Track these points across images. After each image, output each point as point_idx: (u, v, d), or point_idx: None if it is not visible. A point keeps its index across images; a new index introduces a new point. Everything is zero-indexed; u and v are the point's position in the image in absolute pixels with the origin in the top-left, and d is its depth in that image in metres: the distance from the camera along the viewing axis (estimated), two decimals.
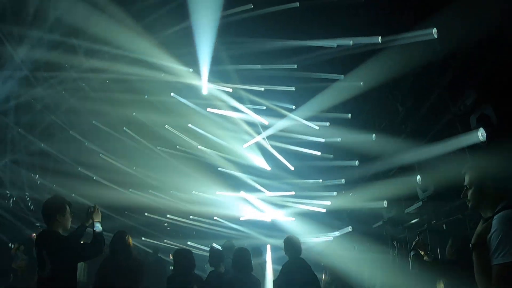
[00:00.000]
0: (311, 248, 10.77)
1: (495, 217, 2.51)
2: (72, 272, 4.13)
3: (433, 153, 6.24)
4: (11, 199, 13.83)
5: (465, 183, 2.80)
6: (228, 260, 6.21)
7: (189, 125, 11.79)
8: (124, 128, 12.09)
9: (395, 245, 9.08)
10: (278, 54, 8.98)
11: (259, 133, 11.42)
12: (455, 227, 6.79)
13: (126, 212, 14.75)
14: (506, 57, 4.83)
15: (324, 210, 11.81)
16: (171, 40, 8.90)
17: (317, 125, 10.68)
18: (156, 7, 8.51)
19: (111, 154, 12.76)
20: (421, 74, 6.86)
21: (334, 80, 9.22)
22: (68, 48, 9.43)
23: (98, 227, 4.40)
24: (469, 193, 2.76)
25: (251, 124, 11.44)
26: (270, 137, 11.42)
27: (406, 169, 7.51)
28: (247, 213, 13.55)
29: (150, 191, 13.58)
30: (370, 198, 9.24)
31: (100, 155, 12.61)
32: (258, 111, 11.02)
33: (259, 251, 8.25)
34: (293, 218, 12.92)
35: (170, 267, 11.26)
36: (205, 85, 10.17)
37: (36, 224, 13.45)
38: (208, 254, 6.53)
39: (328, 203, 11.70)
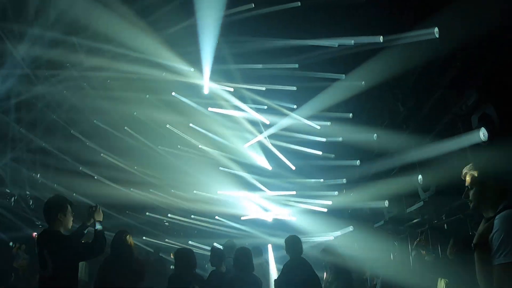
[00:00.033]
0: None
1: (497, 217, 2.51)
2: (73, 271, 4.13)
3: (435, 152, 6.24)
4: (13, 198, 13.83)
5: (466, 184, 2.80)
6: (229, 260, 6.21)
7: (190, 124, 11.78)
8: (125, 128, 12.08)
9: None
10: (279, 53, 8.99)
11: (260, 133, 11.41)
12: (457, 227, 6.80)
13: (127, 212, 14.76)
14: (507, 57, 4.83)
15: (325, 210, 11.81)
16: (173, 39, 8.89)
17: (318, 125, 10.68)
18: (158, 6, 8.50)
19: (112, 153, 12.75)
20: (422, 74, 6.86)
21: (335, 80, 9.23)
22: (70, 46, 9.43)
23: (99, 226, 4.41)
24: (471, 193, 2.76)
25: (252, 123, 11.44)
26: (271, 137, 11.42)
27: (408, 169, 7.51)
28: (248, 212, 13.55)
29: (151, 190, 13.57)
30: (372, 198, 9.24)
31: (102, 154, 12.60)
32: (259, 111, 11.01)
33: (259, 251, 8.23)
34: (295, 218, 12.92)
35: (171, 266, 11.27)
36: (206, 84, 10.16)
37: (37, 223, 13.47)
38: (209, 253, 6.52)
39: (330, 202, 11.70)
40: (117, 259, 5.27)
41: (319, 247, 8.17)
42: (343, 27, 8.06)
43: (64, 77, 10.55)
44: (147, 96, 11.00)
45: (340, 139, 10.59)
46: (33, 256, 11.44)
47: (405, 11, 7.02)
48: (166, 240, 14.46)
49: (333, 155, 11.29)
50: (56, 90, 10.82)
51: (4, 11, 8.58)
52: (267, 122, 11.08)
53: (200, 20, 8.40)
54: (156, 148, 12.80)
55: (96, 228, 4.39)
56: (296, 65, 9.30)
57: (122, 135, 12.19)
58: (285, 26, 8.43)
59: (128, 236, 5.47)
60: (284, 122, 10.85)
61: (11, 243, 13.44)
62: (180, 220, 14.60)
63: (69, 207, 4.27)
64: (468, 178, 2.79)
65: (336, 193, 11.80)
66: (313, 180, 12.34)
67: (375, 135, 9.09)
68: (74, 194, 11.20)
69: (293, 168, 12.07)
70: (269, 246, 12.11)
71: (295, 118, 10.58)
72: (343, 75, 9.11)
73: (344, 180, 11.42)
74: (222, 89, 10.54)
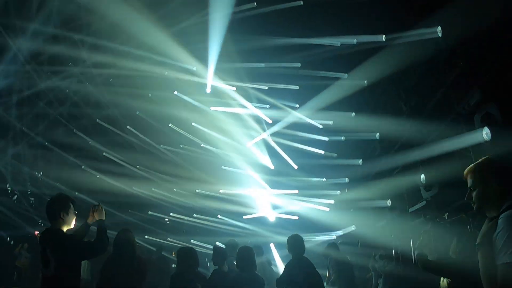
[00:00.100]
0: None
1: (500, 217, 2.50)
2: (76, 270, 4.13)
3: (437, 152, 6.23)
4: (14, 196, 13.83)
5: (468, 186, 2.78)
6: (231, 259, 6.20)
7: (193, 123, 11.77)
8: (128, 127, 12.08)
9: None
10: (281, 52, 8.97)
11: (263, 131, 11.40)
12: (460, 226, 6.77)
13: (129, 210, 14.78)
14: (510, 56, 4.82)
15: (327, 209, 11.81)
16: (179, 36, 8.86)
17: (321, 124, 10.66)
18: (162, 4, 8.47)
19: (114, 151, 12.75)
20: (424, 73, 6.85)
21: (337, 79, 9.21)
22: (73, 43, 9.43)
23: (101, 225, 4.40)
24: (473, 194, 2.75)
25: (255, 122, 11.42)
26: (273, 135, 11.41)
27: (410, 168, 7.51)
28: (251, 211, 13.55)
29: (153, 189, 13.58)
30: (374, 196, 9.24)
31: (104, 153, 12.61)
32: (261, 109, 11.00)
33: (260, 250, 8.19)
34: (297, 217, 12.92)
35: (173, 265, 11.28)
36: (209, 83, 10.15)
37: (39, 221, 13.48)
38: (211, 251, 6.52)
39: (332, 201, 11.70)
40: (120, 258, 5.27)
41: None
42: (345, 26, 8.04)
43: (68, 73, 10.54)
44: (150, 95, 10.99)
45: (343, 138, 10.58)
46: (35, 255, 11.47)
47: (407, 9, 7.00)
48: (168, 238, 14.47)
49: (335, 154, 11.27)
50: (59, 86, 10.80)
51: (7, 6, 8.54)
52: (269, 121, 11.07)
53: (211, 15, 8.36)
54: (158, 146, 12.80)
55: (98, 227, 4.39)
56: (299, 64, 9.29)
57: (124, 134, 12.20)
58: (288, 25, 8.41)
59: (130, 235, 5.47)
60: (286, 121, 10.83)
61: (12, 242, 13.49)
62: (181, 218, 14.61)
63: (71, 205, 4.26)
64: (470, 180, 2.78)
65: (338, 192, 11.79)
66: (315, 179, 12.33)
67: (377, 134, 9.08)
68: (77, 193, 11.21)
69: (296, 167, 12.06)
70: (272, 245, 12.11)
71: (298, 117, 10.56)
72: (346, 74, 9.10)
73: (346, 179, 11.41)
74: (225, 88, 10.52)
